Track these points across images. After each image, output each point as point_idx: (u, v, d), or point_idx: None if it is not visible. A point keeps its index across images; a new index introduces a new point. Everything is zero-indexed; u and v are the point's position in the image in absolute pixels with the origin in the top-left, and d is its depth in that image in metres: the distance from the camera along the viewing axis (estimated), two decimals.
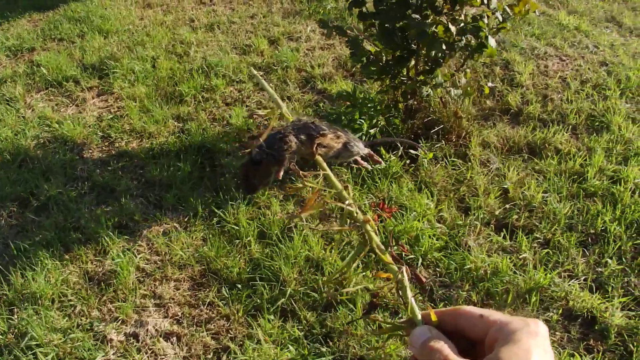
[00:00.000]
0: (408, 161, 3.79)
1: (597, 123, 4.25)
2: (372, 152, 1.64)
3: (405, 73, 3.72)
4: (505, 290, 2.95)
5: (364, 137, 3.61)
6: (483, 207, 3.44)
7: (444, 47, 3.21)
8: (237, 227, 3.29)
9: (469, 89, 3.86)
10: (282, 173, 1.62)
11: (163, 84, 4.67)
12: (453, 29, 3.13)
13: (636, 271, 3.13)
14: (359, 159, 1.64)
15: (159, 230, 3.34)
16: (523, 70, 4.89)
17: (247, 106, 4.42)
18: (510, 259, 3.12)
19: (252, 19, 5.99)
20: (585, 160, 3.84)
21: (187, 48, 5.28)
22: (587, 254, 3.20)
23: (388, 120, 3.80)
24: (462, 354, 0.72)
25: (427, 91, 3.61)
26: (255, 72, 1.75)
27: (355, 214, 1.15)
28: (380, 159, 1.79)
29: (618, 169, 3.78)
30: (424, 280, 1.08)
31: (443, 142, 3.96)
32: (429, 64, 3.58)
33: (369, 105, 3.63)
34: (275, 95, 1.62)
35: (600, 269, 3.12)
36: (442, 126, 3.98)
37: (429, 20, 3.17)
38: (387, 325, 0.93)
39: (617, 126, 4.18)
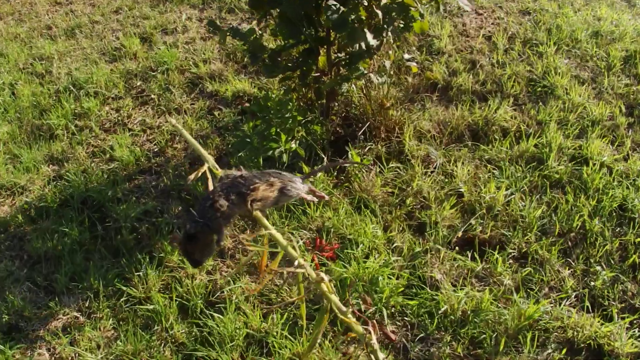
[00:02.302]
0: (335, 173, 3.20)
1: (539, 89, 3.83)
2: (312, 188, 1.64)
3: (315, 68, 3.09)
4: (493, 333, 2.46)
5: (283, 155, 2.98)
6: (439, 222, 2.91)
7: (369, 37, 2.60)
8: (151, 305, 2.61)
9: (392, 72, 3.30)
10: (222, 242, 1.67)
11: (27, 117, 3.79)
12: (379, 13, 2.53)
13: (630, 275, 2.74)
14: (303, 195, 1.62)
15: (58, 326, 2.61)
16: (440, 33, 4.38)
17: (130, 130, 3.65)
18: (488, 287, 2.64)
19: (117, 14, 5.11)
20: (540, 138, 3.39)
21: (48, 65, 4.37)
22: (572, 264, 2.79)
23: (307, 128, 3.16)
24: None
25: (346, 87, 3.00)
26: (174, 122, 1.89)
27: (307, 275, 1.18)
28: (323, 194, 1.74)
29: (578, 144, 3.37)
30: (394, 338, 1.13)
31: (372, 142, 3.39)
32: (349, 56, 2.97)
33: (285, 115, 2.98)
34: (201, 148, 1.70)
35: (591, 282, 2.70)
36: (368, 123, 3.40)
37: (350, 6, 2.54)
38: None
39: (562, 90, 3.77)
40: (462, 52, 4.22)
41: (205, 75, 4.09)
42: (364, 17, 2.70)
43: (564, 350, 2.42)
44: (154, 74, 4.14)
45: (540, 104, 3.69)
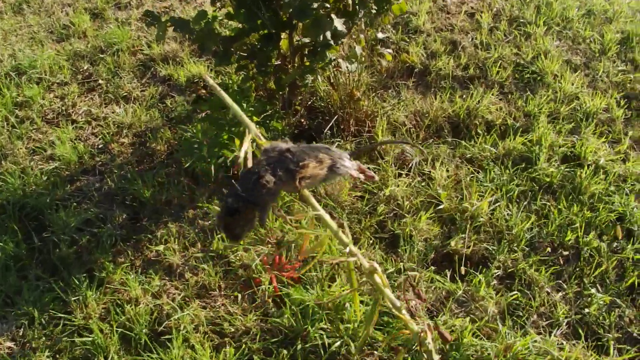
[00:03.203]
0: None
1: (527, 75, 3.48)
2: (362, 167, 1.55)
3: (277, 55, 2.72)
4: None
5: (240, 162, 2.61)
6: (415, 235, 2.58)
7: (338, 24, 2.23)
8: (90, 336, 2.27)
9: (364, 58, 2.94)
10: (266, 220, 1.66)
11: None
12: None
13: (627, 299, 2.46)
14: (352, 173, 1.53)
15: None
16: (418, 9, 4.00)
17: (73, 122, 3.24)
18: (470, 316, 2.34)
19: None
20: (528, 134, 3.06)
21: None
22: (564, 286, 2.48)
23: (266, 126, 2.80)
24: None
25: (310, 80, 2.64)
26: (210, 81, 1.69)
27: (359, 264, 1.11)
28: (373, 174, 1.64)
29: (571, 141, 3.05)
30: (449, 338, 1.04)
31: (340, 137, 3.04)
32: (313, 44, 2.59)
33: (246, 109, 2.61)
34: (243, 115, 1.58)
35: (585, 308, 2.41)
36: (335, 116, 3.04)
37: None
38: None
39: (553, 77, 3.43)
40: (442, 32, 3.85)
41: (158, 58, 3.67)
42: (330, 1, 2.33)
43: None
44: (102, 56, 3.70)
45: (529, 92, 3.36)
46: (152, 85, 3.47)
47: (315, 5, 2.16)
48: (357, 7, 2.41)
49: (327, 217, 1.56)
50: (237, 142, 2.59)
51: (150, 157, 3.04)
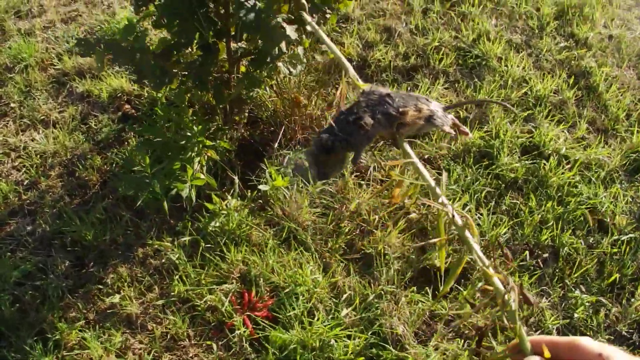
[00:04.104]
0: (249, 194, 2.64)
1: (470, 60, 3.36)
2: (457, 122, 1.53)
3: (216, 63, 2.48)
4: None
5: (191, 193, 2.37)
6: (389, 254, 2.43)
7: (290, 32, 2.02)
8: None
9: (305, 59, 2.73)
10: (358, 162, 1.78)
11: None
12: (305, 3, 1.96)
13: (611, 297, 2.45)
14: (447, 128, 1.50)
15: None
16: None
17: None
18: (459, 337, 2.24)
19: None
20: (483, 125, 2.95)
21: None
22: (549, 291, 2.41)
23: (214, 147, 2.55)
24: None
25: (257, 93, 2.42)
26: (313, 24, 1.72)
27: (452, 217, 1.07)
28: (467, 130, 1.59)
29: (527, 130, 2.97)
30: (533, 301, 0.99)
31: (288, 148, 2.83)
32: (257, 53, 2.36)
33: (185, 134, 2.35)
34: (340, 54, 1.59)
35: (571, 311, 2.35)
36: (282, 127, 2.83)
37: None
38: (494, 356, 0.89)
39: (497, 59, 3.33)
40: (374, 18, 3.67)
41: (72, 72, 3.30)
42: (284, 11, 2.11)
43: None
44: (10, 75, 3.29)
45: (476, 79, 3.24)
46: (71, 105, 3.12)
47: (273, 22, 1.93)
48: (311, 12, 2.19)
49: (420, 166, 1.48)
50: (189, 170, 2.34)
51: (83, 189, 2.73)
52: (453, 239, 2.35)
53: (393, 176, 1.80)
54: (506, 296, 1.10)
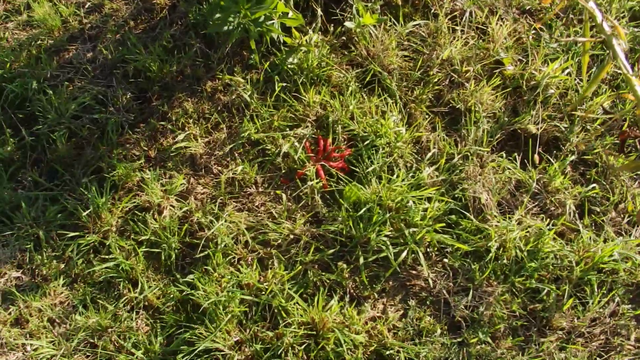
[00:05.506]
0: (332, 29, 2.43)
1: None
2: None
3: None
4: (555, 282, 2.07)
5: (275, 25, 2.17)
6: (480, 110, 2.29)
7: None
8: (109, 257, 2.05)
9: None
10: None
11: None
12: None
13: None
14: None
15: None
16: None
17: None
18: (545, 213, 2.18)
19: None
20: None
21: None
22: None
23: None
24: None
25: None
26: None
27: (600, 23, 1.16)
28: None
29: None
30: None
31: None
32: None
33: None
34: None
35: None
36: None
37: None
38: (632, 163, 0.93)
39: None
40: None
41: None
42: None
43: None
44: None
45: None
46: None
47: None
48: None
49: None
50: (280, 6, 2.11)
51: (149, 13, 2.54)
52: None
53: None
54: None
